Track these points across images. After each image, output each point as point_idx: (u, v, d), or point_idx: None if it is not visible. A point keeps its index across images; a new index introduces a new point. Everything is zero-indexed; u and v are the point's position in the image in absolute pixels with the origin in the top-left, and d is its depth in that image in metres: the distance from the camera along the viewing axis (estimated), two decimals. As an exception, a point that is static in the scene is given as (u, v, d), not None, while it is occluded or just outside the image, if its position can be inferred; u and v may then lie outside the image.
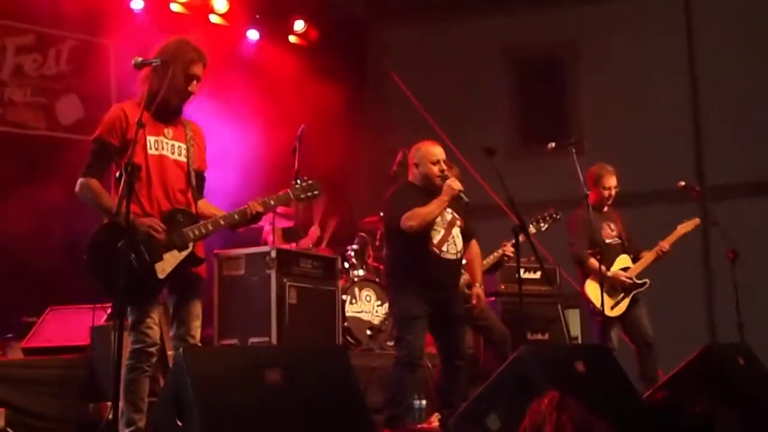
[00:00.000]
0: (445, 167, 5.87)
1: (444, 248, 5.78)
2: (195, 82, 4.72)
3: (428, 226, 5.70)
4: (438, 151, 5.91)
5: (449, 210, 5.83)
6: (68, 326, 6.68)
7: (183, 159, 4.75)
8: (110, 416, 4.11)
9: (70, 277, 6.95)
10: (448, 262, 5.81)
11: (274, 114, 9.41)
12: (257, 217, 4.78)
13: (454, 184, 5.76)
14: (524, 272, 7.83)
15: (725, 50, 11.08)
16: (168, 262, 4.55)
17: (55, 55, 8.97)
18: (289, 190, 4.92)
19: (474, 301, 5.98)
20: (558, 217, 7.19)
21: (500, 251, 7.08)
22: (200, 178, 4.87)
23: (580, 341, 8.40)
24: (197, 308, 4.73)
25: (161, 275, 4.54)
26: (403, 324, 5.75)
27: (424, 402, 6.81)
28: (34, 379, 5.89)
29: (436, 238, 5.75)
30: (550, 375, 4.52)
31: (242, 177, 8.44)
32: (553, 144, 6.68)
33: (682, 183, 7.63)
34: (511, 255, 6.94)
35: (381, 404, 5.85)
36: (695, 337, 8.50)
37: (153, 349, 4.61)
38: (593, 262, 6.93)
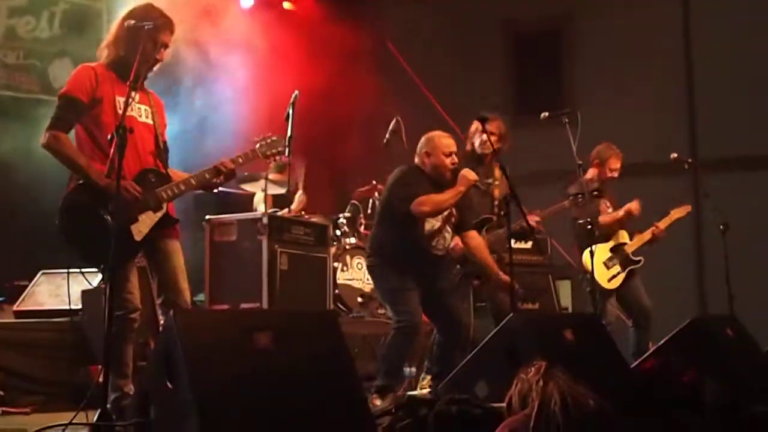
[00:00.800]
0: (456, 160, 5.83)
1: (434, 243, 5.80)
2: (163, 49, 4.70)
3: (439, 214, 5.69)
4: (451, 143, 5.88)
5: None
6: (60, 290, 6.69)
7: (150, 122, 4.72)
8: (100, 379, 4.12)
9: (62, 241, 6.96)
10: (435, 257, 5.83)
11: (266, 81, 9.36)
12: (227, 175, 4.76)
13: (470, 174, 5.72)
14: (515, 241, 7.82)
15: (721, 23, 11.06)
16: (144, 224, 4.50)
17: (48, 18, 8.92)
18: (255, 148, 4.91)
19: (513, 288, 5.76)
20: (598, 194, 6.86)
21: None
22: (165, 149, 4.83)
23: (570, 312, 8.43)
24: (180, 265, 4.68)
25: (138, 237, 4.49)
26: (398, 297, 5.73)
27: (413, 369, 6.84)
28: (25, 342, 5.91)
29: (430, 228, 5.75)
30: (538, 343, 4.54)
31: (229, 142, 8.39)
32: (546, 114, 6.65)
33: (675, 155, 7.64)
34: (538, 224, 6.70)
35: (372, 371, 5.88)
36: (686, 309, 8.54)
37: (135, 315, 4.57)
38: (604, 217, 7.03)
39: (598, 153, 7.23)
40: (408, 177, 5.84)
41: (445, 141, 5.87)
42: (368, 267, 6.17)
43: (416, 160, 5.97)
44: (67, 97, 4.58)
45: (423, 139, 5.96)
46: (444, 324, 5.91)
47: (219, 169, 4.72)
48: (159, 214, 4.56)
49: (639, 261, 7.19)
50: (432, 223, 5.77)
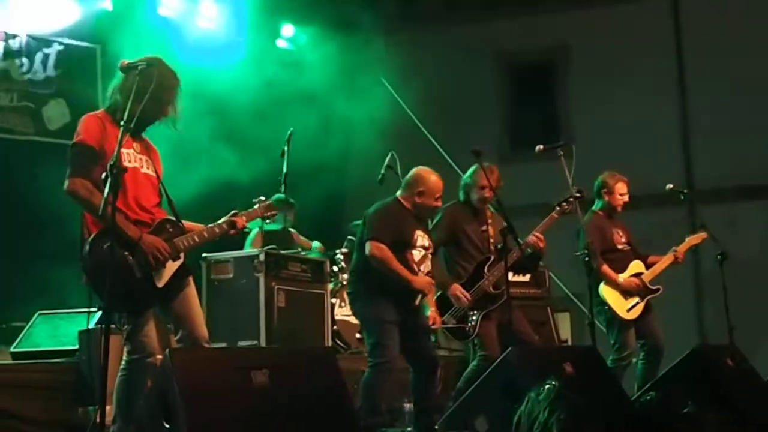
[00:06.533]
0: (440, 202, 5.96)
1: (422, 268, 5.81)
2: (168, 106, 4.68)
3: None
4: (441, 186, 5.95)
5: (426, 236, 5.91)
6: (57, 330, 6.67)
7: (152, 173, 4.74)
8: (97, 420, 4.09)
9: (60, 282, 6.95)
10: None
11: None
12: (235, 231, 4.89)
13: (429, 287, 5.82)
14: (513, 275, 7.79)
15: (713, 52, 11.14)
16: (165, 272, 4.55)
17: (42, 60, 8.95)
18: (256, 207, 5.09)
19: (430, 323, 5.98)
20: (581, 196, 6.61)
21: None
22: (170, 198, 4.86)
23: (570, 344, 8.41)
24: (195, 300, 4.72)
25: (160, 284, 4.52)
26: (379, 329, 5.72)
27: (412, 405, 6.79)
28: (22, 383, 5.86)
29: (417, 257, 5.80)
30: (537, 377, 4.52)
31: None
32: (542, 146, 6.64)
33: (671, 185, 7.63)
34: (540, 240, 6.44)
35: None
36: (686, 339, 8.51)
37: (151, 359, 4.55)
38: (606, 268, 6.91)
39: (604, 182, 7.18)
40: (385, 212, 5.87)
41: (439, 185, 5.94)
42: (349, 294, 6.12)
43: (402, 193, 6.00)
44: (81, 145, 4.56)
45: (416, 177, 5.99)
46: (415, 360, 5.89)
47: (230, 228, 4.84)
48: (178, 263, 4.59)
49: (658, 290, 7.06)
50: (419, 252, 5.81)
